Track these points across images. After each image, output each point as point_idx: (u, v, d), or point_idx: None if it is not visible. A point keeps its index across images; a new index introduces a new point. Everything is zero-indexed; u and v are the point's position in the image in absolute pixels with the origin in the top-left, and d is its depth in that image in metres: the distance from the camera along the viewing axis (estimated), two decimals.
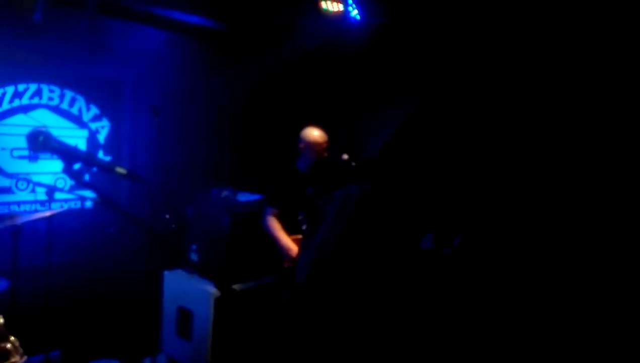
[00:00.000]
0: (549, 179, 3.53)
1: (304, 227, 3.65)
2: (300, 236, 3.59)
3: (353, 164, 3.76)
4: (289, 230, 3.61)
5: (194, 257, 4.13)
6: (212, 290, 3.77)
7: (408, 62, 4.28)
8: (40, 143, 1.49)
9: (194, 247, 4.09)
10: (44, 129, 1.53)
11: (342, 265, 3.86)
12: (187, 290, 3.96)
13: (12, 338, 1.98)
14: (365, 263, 4.13)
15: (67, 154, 1.54)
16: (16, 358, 1.96)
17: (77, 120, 3.98)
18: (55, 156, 1.56)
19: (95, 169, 1.64)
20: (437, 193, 4.09)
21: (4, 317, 1.91)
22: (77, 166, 1.54)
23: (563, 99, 3.48)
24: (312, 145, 3.67)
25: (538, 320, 3.32)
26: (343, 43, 4.35)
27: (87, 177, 3.72)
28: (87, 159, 1.59)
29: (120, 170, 1.60)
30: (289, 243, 3.54)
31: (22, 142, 3.67)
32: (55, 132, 3.78)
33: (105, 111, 4.14)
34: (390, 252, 4.12)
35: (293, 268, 3.60)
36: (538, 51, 3.55)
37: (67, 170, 1.56)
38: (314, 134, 3.69)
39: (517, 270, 3.52)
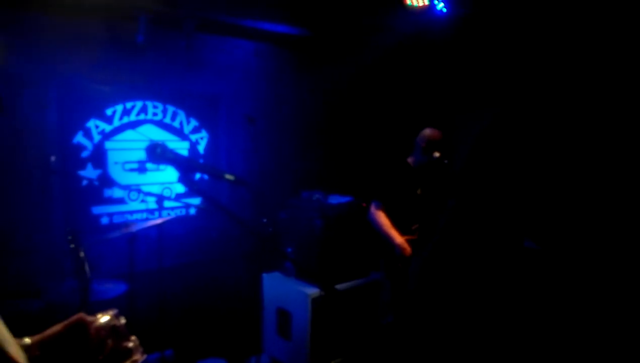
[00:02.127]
0: None
1: (413, 227, 3.63)
2: (408, 237, 3.55)
3: (445, 161, 3.68)
4: (396, 228, 3.57)
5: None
6: (309, 291, 3.84)
7: (497, 54, 4.10)
8: (158, 154, 1.59)
9: (289, 250, 4.19)
10: (160, 142, 1.64)
11: (449, 279, 3.80)
12: (285, 291, 4.07)
13: (133, 337, 2.14)
14: (472, 270, 4.03)
15: (181, 163, 1.64)
16: (137, 356, 2.10)
17: (179, 133, 4.25)
18: (168, 166, 1.67)
19: (206, 176, 1.72)
20: (539, 188, 3.89)
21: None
22: (193, 175, 1.63)
23: None
24: (433, 144, 3.63)
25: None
26: (430, 38, 4.26)
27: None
28: (200, 167, 1.68)
29: (229, 176, 1.67)
30: (404, 243, 3.49)
31: (132, 156, 3.98)
32: None
33: (204, 123, 4.37)
34: (496, 252, 3.98)
35: (400, 268, 3.57)
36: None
37: (183, 179, 1.65)
38: (436, 133, 3.67)
39: (622, 269, 3.26)
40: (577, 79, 3.67)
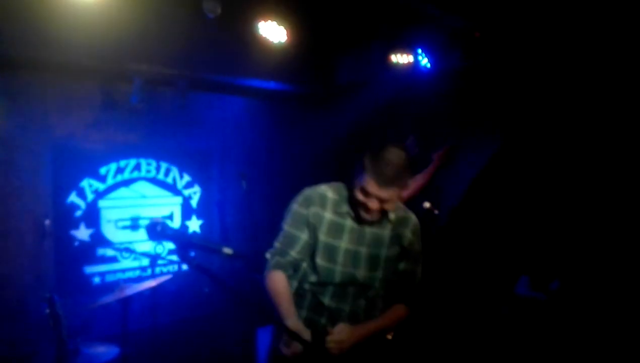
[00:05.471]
0: None
1: None
2: None
3: (436, 212, 3.70)
4: None
5: None
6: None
7: (481, 104, 4.22)
8: (159, 232, 1.63)
9: None
10: (160, 220, 1.67)
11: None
12: None
13: None
14: (455, 311, 3.99)
15: (180, 239, 1.67)
16: None
17: (172, 189, 4.29)
18: (170, 241, 1.69)
19: (203, 251, 1.75)
20: (532, 231, 3.91)
21: None
22: (190, 251, 1.66)
23: None
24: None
25: None
26: (415, 92, 4.39)
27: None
28: (198, 242, 1.71)
29: (227, 250, 1.70)
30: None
31: (125, 213, 3.99)
32: (153, 201, 4.15)
33: (196, 178, 4.43)
34: (482, 298, 3.96)
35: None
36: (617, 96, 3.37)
37: (179, 254, 1.68)
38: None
39: (624, 322, 3.23)
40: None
